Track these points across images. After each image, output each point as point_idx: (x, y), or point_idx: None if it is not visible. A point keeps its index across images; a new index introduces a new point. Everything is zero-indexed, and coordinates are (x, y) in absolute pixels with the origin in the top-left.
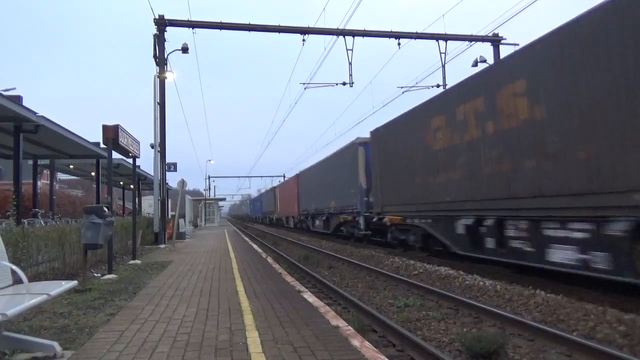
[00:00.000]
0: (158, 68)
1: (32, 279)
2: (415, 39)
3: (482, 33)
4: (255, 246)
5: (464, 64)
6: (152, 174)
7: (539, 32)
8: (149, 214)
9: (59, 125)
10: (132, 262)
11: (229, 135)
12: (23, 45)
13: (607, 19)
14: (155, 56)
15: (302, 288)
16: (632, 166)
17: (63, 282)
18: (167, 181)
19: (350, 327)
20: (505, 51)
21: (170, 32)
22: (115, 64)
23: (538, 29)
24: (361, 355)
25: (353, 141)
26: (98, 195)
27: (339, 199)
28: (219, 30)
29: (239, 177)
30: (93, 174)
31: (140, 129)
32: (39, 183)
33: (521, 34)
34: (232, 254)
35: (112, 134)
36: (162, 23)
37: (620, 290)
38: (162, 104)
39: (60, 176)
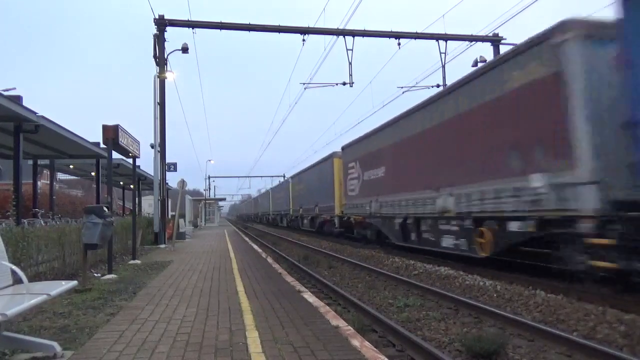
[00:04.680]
0: (158, 68)
1: (32, 279)
2: (415, 39)
3: (482, 33)
4: (255, 246)
5: (464, 64)
6: (152, 174)
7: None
8: (149, 214)
9: (59, 125)
10: (132, 262)
11: (229, 135)
12: (23, 46)
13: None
14: (155, 56)
15: (302, 288)
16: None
17: (63, 282)
18: (167, 181)
19: (350, 327)
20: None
21: (170, 32)
22: (115, 63)
23: (538, 29)
24: (361, 355)
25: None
26: (98, 195)
27: None
28: (219, 30)
29: (239, 177)
30: (93, 174)
31: (140, 129)
32: (39, 183)
33: (521, 34)
34: (232, 254)
35: (112, 134)
36: (162, 23)
37: (620, 290)
38: (162, 104)
39: (60, 176)
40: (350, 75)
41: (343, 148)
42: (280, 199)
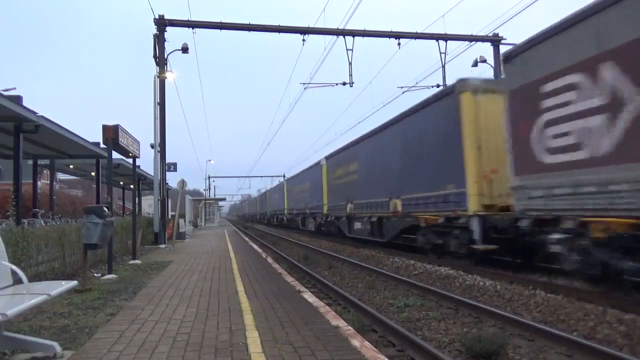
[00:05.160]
0: (158, 68)
1: (32, 279)
2: (415, 39)
3: (482, 33)
4: (255, 246)
5: (464, 64)
6: (152, 174)
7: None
8: (149, 214)
9: (59, 125)
10: (132, 262)
11: (229, 135)
12: (23, 45)
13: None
14: (155, 56)
15: (302, 288)
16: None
17: (63, 282)
18: (167, 181)
19: (350, 327)
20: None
21: (170, 32)
22: (115, 63)
23: (538, 29)
24: (361, 355)
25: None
26: (98, 195)
27: None
28: (219, 30)
29: (239, 177)
30: (93, 174)
31: (140, 129)
32: (39, 183)
33: (521, 34)
34: (232, 254)
35: (112, 134)
36: (162, 23)
37: (620, 290)
38: (162, 104)
39: (60, 176)
40: (350, 75)
41: (512, 54)
42: (302, 193)
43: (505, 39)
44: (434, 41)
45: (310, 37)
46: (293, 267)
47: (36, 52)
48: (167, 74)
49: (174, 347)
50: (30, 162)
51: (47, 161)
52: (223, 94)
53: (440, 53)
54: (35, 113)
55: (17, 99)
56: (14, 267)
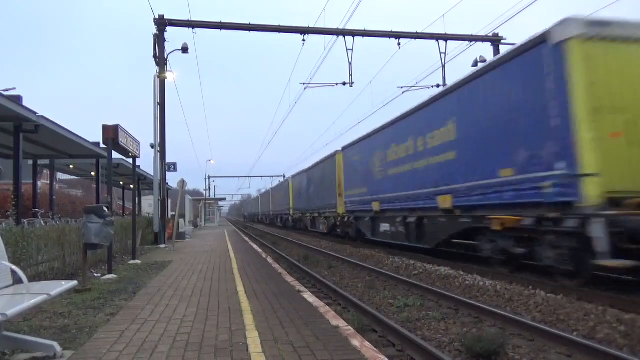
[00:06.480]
0: (158, 68)
1: (32, 279)
2: (415, 39)
3: (482, 33)
4: (255, 246)
5: (464, 64)
6: (152, 174)
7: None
8: (149, 214)
9: (59, 125)
10: (132, 262)
11: (229, 135)
12: (23, 45)
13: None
14: (155, 56)
15: (302, 288)
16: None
17: (63, 282)
18: (167, 181)
19: (350, 327)
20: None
21: (170, 32)
22: (115, 63)
23: (538, 29)
24: (361, 355)
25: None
26: (98, 195)
27: None
28: (219, 30)
29: (239, 177)
30: (93, 174)
31: (140, 129)
32: (39, 183)
33: (521, 34)
34: (232, 254)
35: (112, 133)
36: (162, 23)
37: (620, 290)
38: (162, 104)
39: (60, 176)
40: (350, 75)
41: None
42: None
43: (505, 39)
44: (434, 41)
45: (310, 37)
46: (293, 267)
47: (36, 52)
48: (167, 74)
49: (174, 347)
50: (30, 162)
51: (47, 161)
52: (223, 94)
53: (440, 53)
54: (35, 113)
55: (17, 99)
56: (14, 267)
